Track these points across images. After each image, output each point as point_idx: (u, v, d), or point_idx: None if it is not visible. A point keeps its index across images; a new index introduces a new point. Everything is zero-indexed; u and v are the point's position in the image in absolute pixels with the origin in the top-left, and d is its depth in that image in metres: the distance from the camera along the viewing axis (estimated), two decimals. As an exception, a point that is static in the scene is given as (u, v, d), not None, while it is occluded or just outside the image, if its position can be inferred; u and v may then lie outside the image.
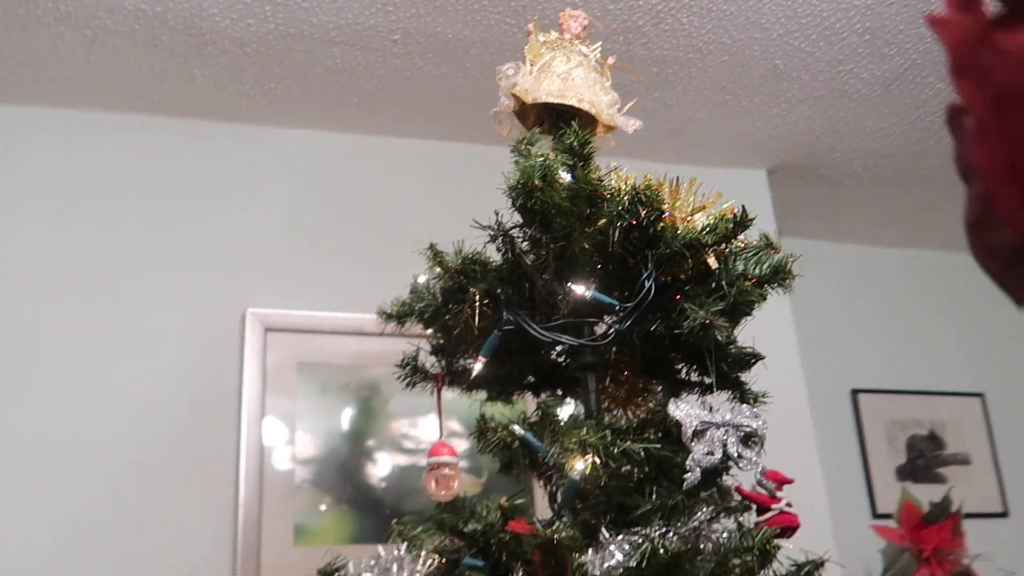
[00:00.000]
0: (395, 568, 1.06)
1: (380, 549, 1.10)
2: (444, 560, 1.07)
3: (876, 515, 2.70)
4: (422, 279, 1.24)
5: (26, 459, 1.88)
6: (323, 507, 2.01)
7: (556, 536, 0.92)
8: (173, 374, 2.02)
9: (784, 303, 2.41)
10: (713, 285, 1.18)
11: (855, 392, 2.88)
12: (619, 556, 1.00)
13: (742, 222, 1.17)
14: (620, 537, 1.01)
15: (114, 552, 1.88)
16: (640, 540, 0.99)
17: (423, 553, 1.07)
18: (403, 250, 2.02)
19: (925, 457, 2.86)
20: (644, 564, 0.92)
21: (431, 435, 2.08)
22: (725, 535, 1.03)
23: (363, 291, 2.13)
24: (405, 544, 1.11)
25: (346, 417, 2.09)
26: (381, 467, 2.08)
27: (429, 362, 1.30)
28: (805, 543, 1.37)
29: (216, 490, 1.97)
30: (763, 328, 1.44)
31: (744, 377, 1.22)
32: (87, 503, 1.89)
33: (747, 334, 1.28)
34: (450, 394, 1.31)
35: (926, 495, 2.50)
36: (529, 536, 0.95)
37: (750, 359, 1.20)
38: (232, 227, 2.17)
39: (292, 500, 2.00)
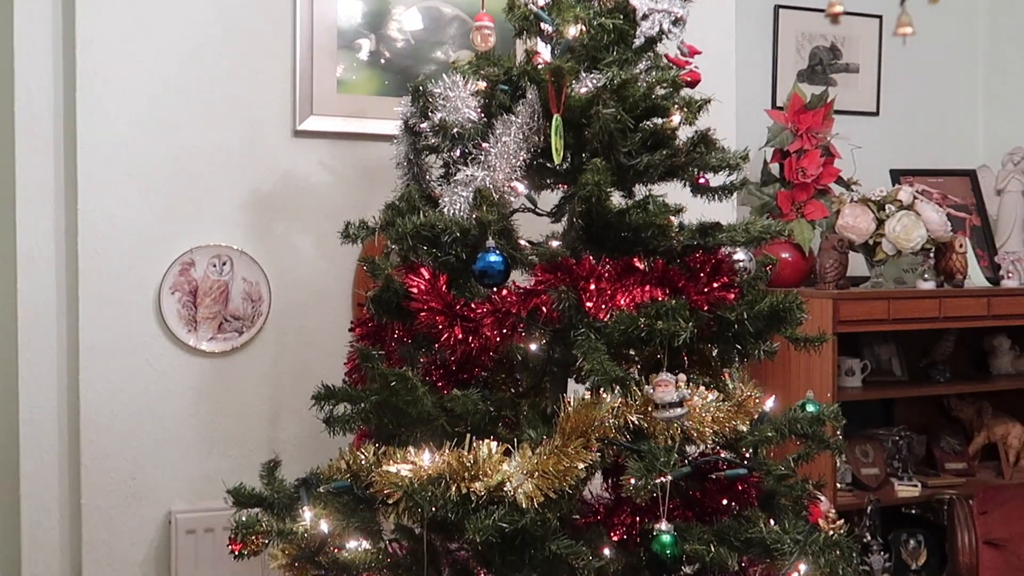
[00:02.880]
0: (456, 88, 1.83)
1: (445, 76, 1.86)
2: (487, 86, 1.84)
3: (775, 107, 3.55)
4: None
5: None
6: (357, 63, 2.74)
7: (561, 65, 1.68)
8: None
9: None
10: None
11: (777, 7, 3.59)
12: (589, 85, 1.78)
13: None
14: (593, 74, 1.79)
15: (202, 100, 2.61)
16: (600, 77, 1.77)
17: (472, 80, 1.85)
18: None
19: (823, 64, 3.66)
20: (603, 86, 1.71)
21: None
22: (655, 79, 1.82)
23: None
24: (458, 74, 1.87)
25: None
26: (403, 34, 2.79)
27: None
28: (712, 122, 2.16)
29: (277, 51, 2.68)
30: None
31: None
32: (180, 58, 2.59)
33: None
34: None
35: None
36: (544, 65, 1.72)
37: (685, -32, 1.92)
38: None
39: (334, 59, 2.72)
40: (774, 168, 3.25)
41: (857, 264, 3.33)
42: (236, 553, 2.00)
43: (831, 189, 3.20)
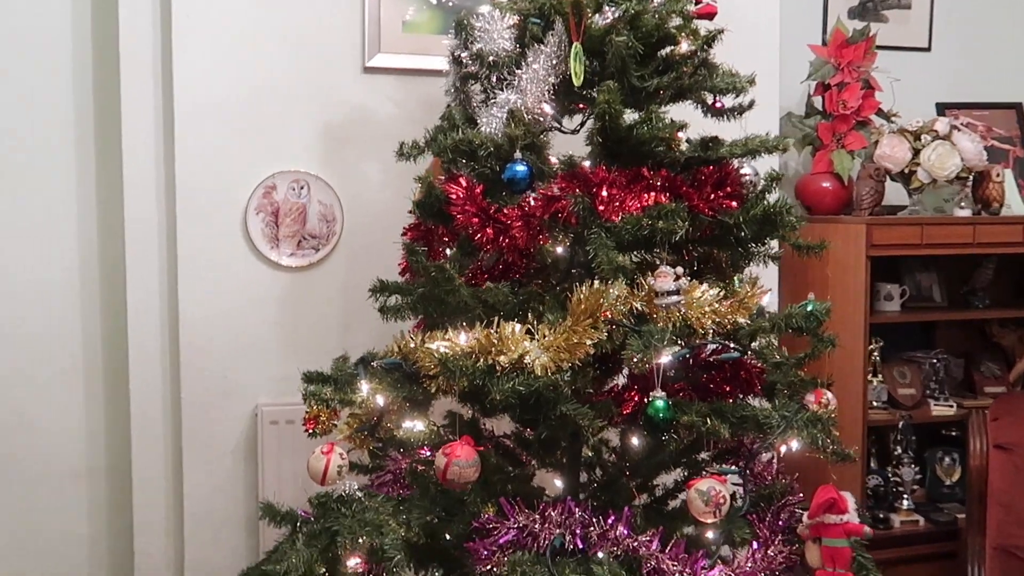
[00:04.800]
0: (493, 22, 2.11)
1: (484, 11, 2.14)
2: (520, 19, 2.12)
3: (825, 44, 3.70)
4: None
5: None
6: (425, 5, 3.03)
7: (580, -1, 1.95)
8: None
9: None
10: None
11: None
12: (609, 16, 2.04)
13: None
14: (611, 7, 2.04)
15: (282, 39, 2.95)
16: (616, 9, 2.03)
17: (508, 14, 2.12)
18: None
19: (874, 1, 3.80)
20: (619, 17, 1.97)
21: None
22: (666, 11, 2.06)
23: None
24: (496, 9, 2.14)
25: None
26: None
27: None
28: (757, 56, 2.37)
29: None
30: None
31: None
32: (262, 2, 2.93)
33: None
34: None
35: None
36: (567, -1, 2.00)
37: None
38: None
39: (401, 1, 3.02)
40: (816, 101, 3.43)
41: (902, 196, 3.50)
42: (310, 432, 2.36)
43: (871, 121, 3.37)
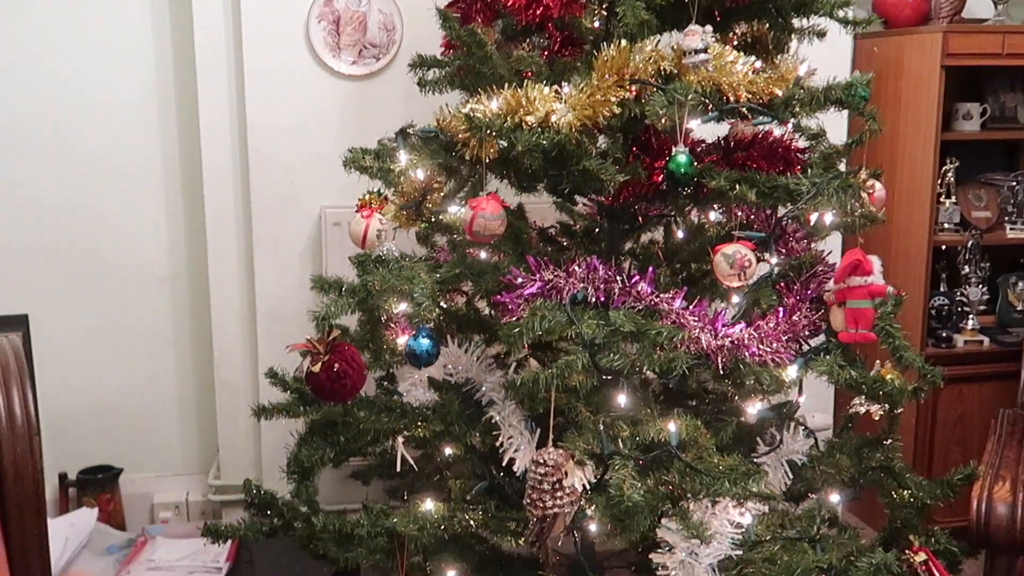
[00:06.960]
0: None
1: None
2: None
3: None
4: None
5: None
6: None
7: None
8: None
9: None
10: None
11: None
12: None
13: None
14: None
15: None
16: None
17: None
18: None
19: None
20: None
21: None
22: None
23: None
24: None
25: None
26: None
27: None
28: None
29: None
30: None
31: None
32: None
33: None
34: None
35: None
36: None
37: None
38: None
39: None
40: (899, -94, 3.29)
41: (989, 11, 3.35)
42: (361, 215, 2.47)
43: (957, -75, 3.21)
